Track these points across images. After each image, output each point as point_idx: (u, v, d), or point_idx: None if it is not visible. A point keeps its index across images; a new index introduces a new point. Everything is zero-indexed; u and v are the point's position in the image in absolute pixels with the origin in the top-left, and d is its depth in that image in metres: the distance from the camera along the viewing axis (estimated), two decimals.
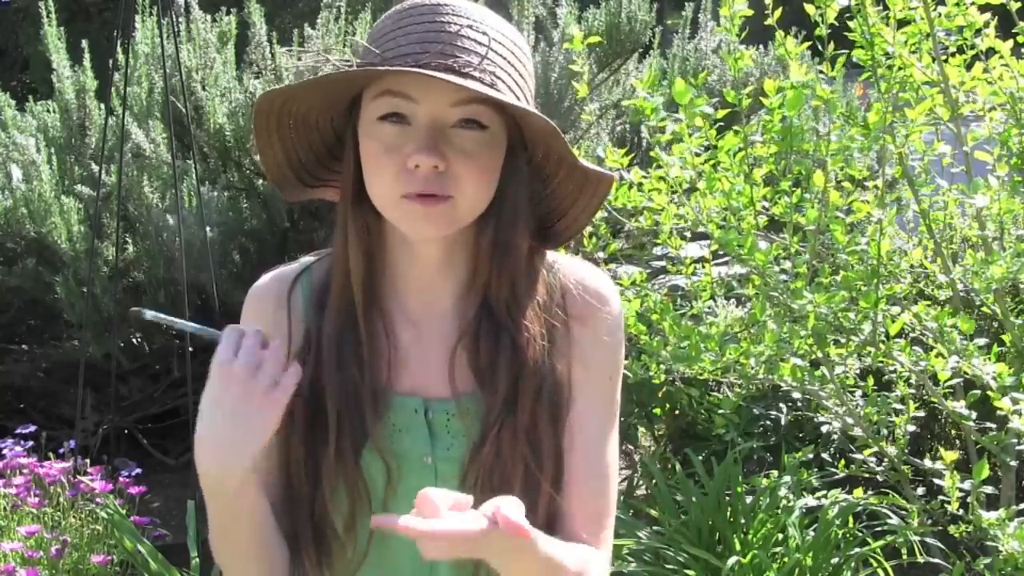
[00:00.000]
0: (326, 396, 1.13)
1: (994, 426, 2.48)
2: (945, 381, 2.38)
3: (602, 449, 1.16)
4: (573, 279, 1.19)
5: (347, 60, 1.11)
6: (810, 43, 2.45)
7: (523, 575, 1.04)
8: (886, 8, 2.32)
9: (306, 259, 1.23)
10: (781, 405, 3.47)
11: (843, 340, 2.56)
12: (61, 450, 3.06)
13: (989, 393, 2.29)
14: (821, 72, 2.45)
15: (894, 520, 2.74)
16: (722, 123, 2.56)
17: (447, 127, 1.07)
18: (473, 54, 1.06)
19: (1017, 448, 2.43)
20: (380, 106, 1.07)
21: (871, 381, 2.60)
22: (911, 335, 2.62)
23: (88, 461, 3.06)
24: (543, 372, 1.13)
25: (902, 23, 2.36)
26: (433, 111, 1.06)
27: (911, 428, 2.60)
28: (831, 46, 2.40)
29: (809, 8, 2.38)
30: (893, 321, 2.40)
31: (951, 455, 2.38)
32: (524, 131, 1.13)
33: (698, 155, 2.53)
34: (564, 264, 1.21)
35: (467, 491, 1.12)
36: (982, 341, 2.37)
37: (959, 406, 2.42)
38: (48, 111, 4.57)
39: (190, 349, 3.44)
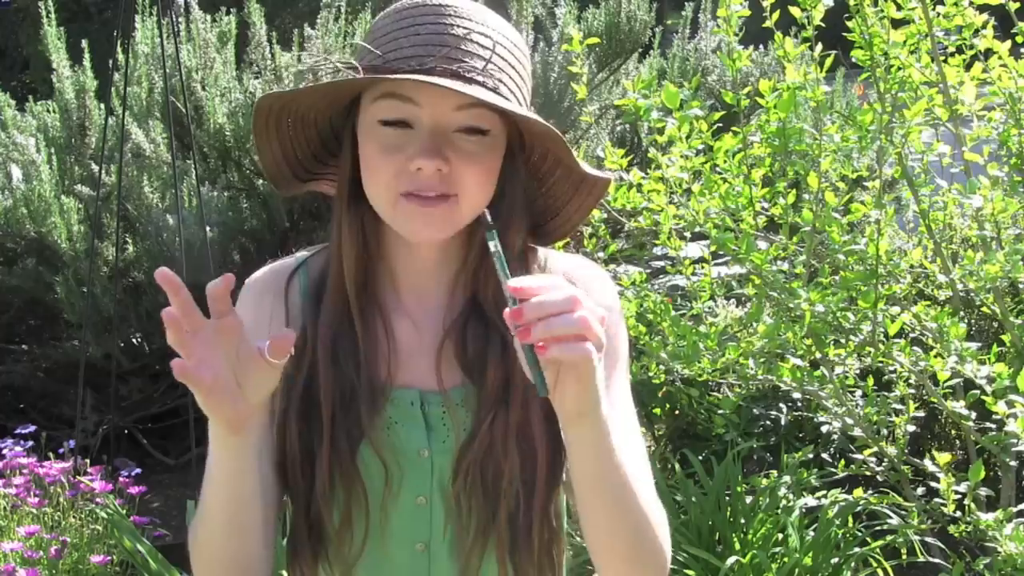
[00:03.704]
0: (320, 393, 1.13)
1: (993, 426, 2.48)
2: (945, 381, 2.38)
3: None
4: (561, 271, 1.19)
5: (348, 63, 1.10)
6: (809, 43, 2.44)
7: (581, 445, 1.02)
8: (897, 7, 2.32)
9: (301, 253, 1.23)
10: (781, 405, 3.48)
11: (843, 340, 2.56)
12: (61, 450, 3.06)
13: (984, 398, 2.29)
14: (827, 75, 2.44)
15: (894, 520, 2.74)
16: (721, 124, 2.56)
17: (449, 131, 1.07)
18: (478, 58, 1.06)
19: (1016, 449, 2.43)
20: (382, 109, 1.07)
21: (871, 381, 2.60)
22: (911, 335, 2.62)
23: (88, 461, 3.06)
24: None
25: (899, 23, 2.35)
26: (436, 115, 1.06)
27: (911, 428, 2.60)
28: (820, 46, 2.39)
29: (795, 11, 2.37)
30: (892, 321, 2.40)
31: (945, 457, 2.38)
32: (524, 134, 1.14)
33: (694, 157, 2.53)
34: (554, 258, 1.22)
35: (460, 485, 1.13)
36: (975, 345, 2.37)
37: (959, 406, 2.42)
38: (48, 111, 4.57)
39: None
